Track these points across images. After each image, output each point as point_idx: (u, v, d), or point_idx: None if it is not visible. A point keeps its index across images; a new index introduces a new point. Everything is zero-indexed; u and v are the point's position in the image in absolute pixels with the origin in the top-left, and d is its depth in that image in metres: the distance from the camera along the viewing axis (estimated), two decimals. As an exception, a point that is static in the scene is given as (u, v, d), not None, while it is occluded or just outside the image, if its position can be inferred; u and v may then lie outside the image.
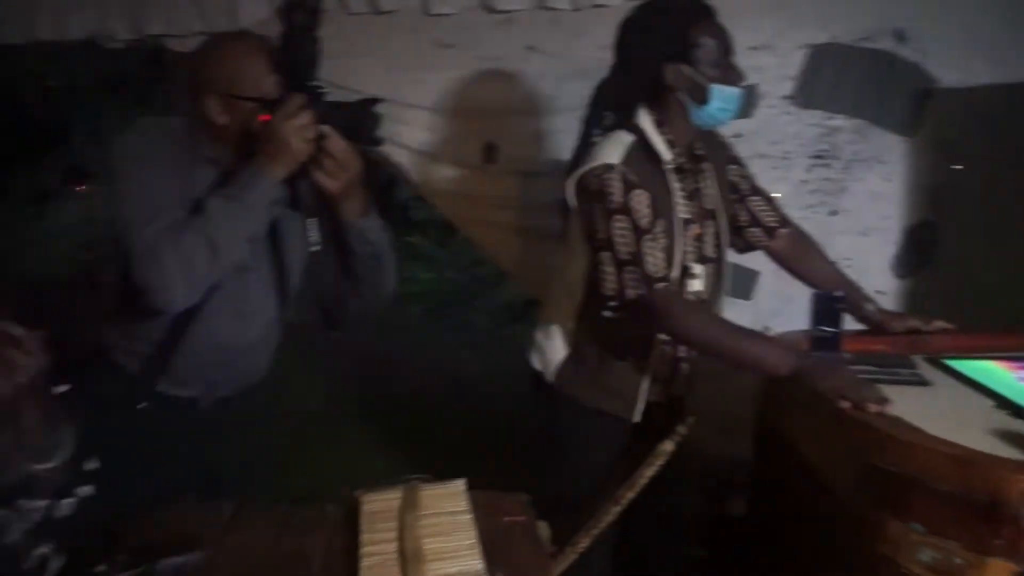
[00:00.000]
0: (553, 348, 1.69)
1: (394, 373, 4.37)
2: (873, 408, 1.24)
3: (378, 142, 1.36)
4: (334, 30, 2.24)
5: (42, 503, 1.05)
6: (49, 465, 1.07)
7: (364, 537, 1.23)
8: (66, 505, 1.09)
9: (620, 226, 1.47)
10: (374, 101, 1.32)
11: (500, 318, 5.65)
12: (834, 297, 1.49)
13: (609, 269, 1.49)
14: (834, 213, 2.30)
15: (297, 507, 1.39)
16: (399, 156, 2.37)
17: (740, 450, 2.36)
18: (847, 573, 1.15)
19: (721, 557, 2.33)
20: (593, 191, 1.50)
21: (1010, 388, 1.32)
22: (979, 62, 2.17)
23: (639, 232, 1.47)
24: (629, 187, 1.48)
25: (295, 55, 1.27)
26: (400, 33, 2.30)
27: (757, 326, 2.06)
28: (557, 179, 2.36)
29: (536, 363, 1.73)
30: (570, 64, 2.26)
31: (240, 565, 1.22)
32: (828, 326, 1.47)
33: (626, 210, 1.47)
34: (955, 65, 2.19)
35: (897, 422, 1.20)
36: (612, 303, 1.50)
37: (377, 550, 1.19)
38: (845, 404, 1.26)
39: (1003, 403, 1.26)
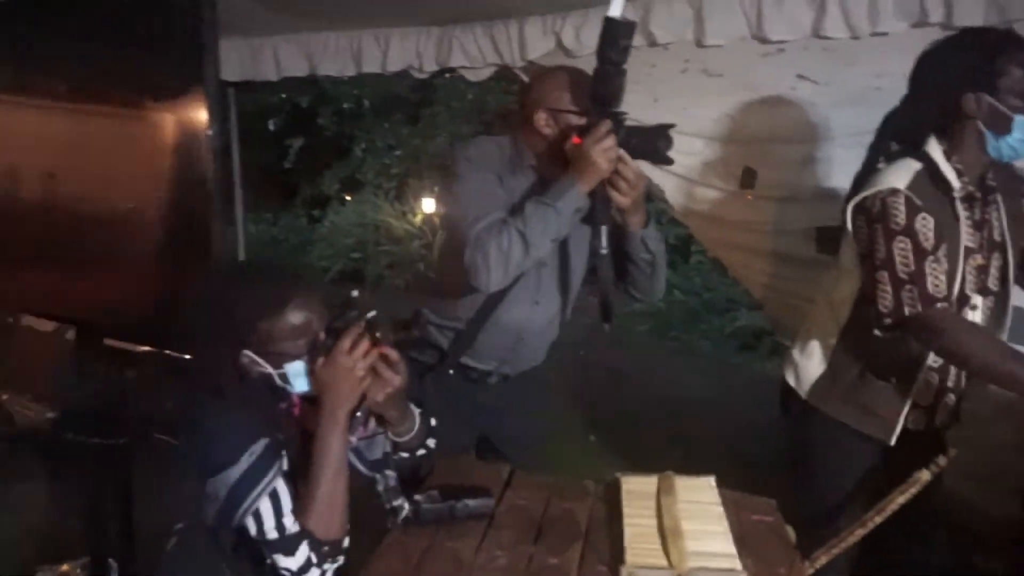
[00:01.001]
0: (810, 365, 1.73)
1: (621, 386, 4.53)
2: None
3: (670, 161, 1.53)
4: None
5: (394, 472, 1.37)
6: (407, 438, 1.39)
7: (626, 511, 1.39)
8: (414, 458, 1.39)
9: (901, 247, 1.49)
10: (668, 127, 1.50)
11: (726, 346, 5.59)
12: None
13: (886, 288, 1.50)
14: None
15: (561, 480, 1.60)
16: (660, 179, 2.53)
17: (996, 504, 2.19)
18: None
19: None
20: (875, 212, 1.53)
21: None
22: None
23: (921, 253, 1.47)
24: (914, 211, 1.49)
25: (606, 87, 1.48)
26: (671, 62, 2.45)
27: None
28: (813, 206, 2.41)
29: (790, 379, 1.77)
30: (841, 92, 2.27)
31: (518, 516, 1.44)
32: None
33: (909, 232, 1.49)
34: None
35: None
36: (887, 321, 1.51)
37: (639, 523, 1.35)
38: None
39: None
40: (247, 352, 1.24)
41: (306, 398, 1.28)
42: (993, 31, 1.56)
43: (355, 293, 1.27)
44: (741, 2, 2.31)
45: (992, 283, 1.62)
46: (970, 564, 2.21)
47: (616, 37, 1.44)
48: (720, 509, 1.39)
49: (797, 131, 2.35)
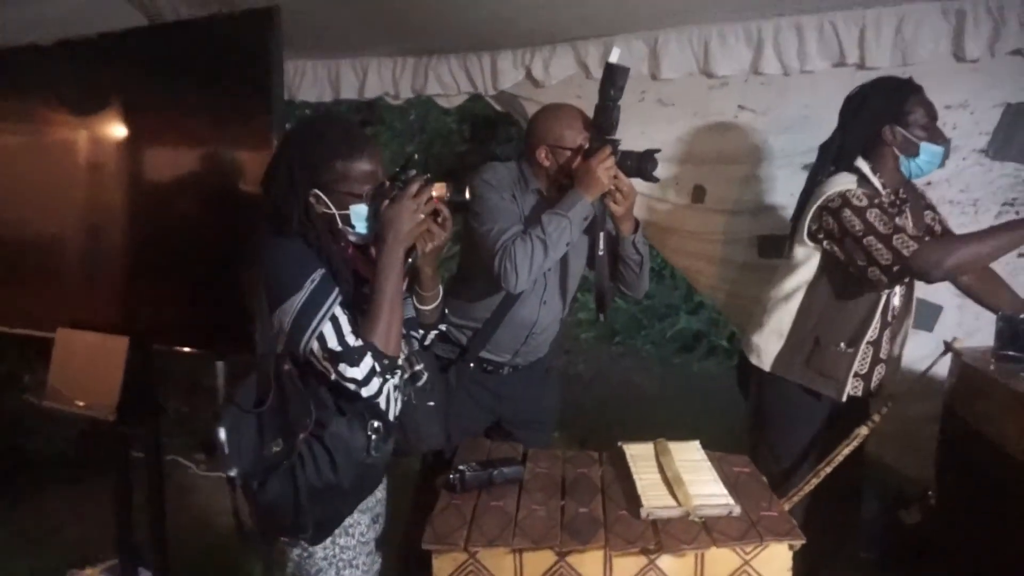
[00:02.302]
0: (770, 344, 2.08)
1: (574, 387, 4.84)
2: None
3: (656, 179, 1.86)
4: (574, 90, 2.83)
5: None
6: (431, 307, 1.59)
7: (633, 469, 1.69)
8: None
9: (874, 214, 1.84)
10: (655, 151, 1.83)
11: (667, 348, 6.00)
12: (1019, 319, 1.78)
13: (879, 247, 1.82)
14: (1022, 255, 2.50)
15: (570, 452, 1.88)
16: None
17: (916, 469, 2.59)
18: (1020, 519, 1.44)
19: (891, 561, 2.55)
20: (838, 206, 1.88)
21: None
22: None
23: (889, 215, 1.84)
24: (869, 196, 1.87)
25: (606, 118, 1.80)
26: (629, 93, 2.74)
27: (936, 355, 2.30)
28: (755, 217, 2.78)
29: (753, 359, 2.12)
30: (776, 120, 2.66)
31: (543, 481, 1.71)
32: (1013, 346, 1.76)
33: (873, 204, 1.85)
34: None
35: None
36: (894, 268, 1.81)
37: (647, 477, 1.64)
38: None
39: None
40: (316, 191, 1.39)
41: (358, 245, 1.46)
42: (901, 80, 1.97)
43: (416, 155, 1.47)
44: (690, 42, 2.69)
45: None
46: (894, 517, 2.61)
47: (615, 79, 1.78)
48: (709, 463, 1.71)
49: (740, 153, 2.72)
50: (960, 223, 2.38)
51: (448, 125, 7.70)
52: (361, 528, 1.50)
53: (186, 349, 1.92)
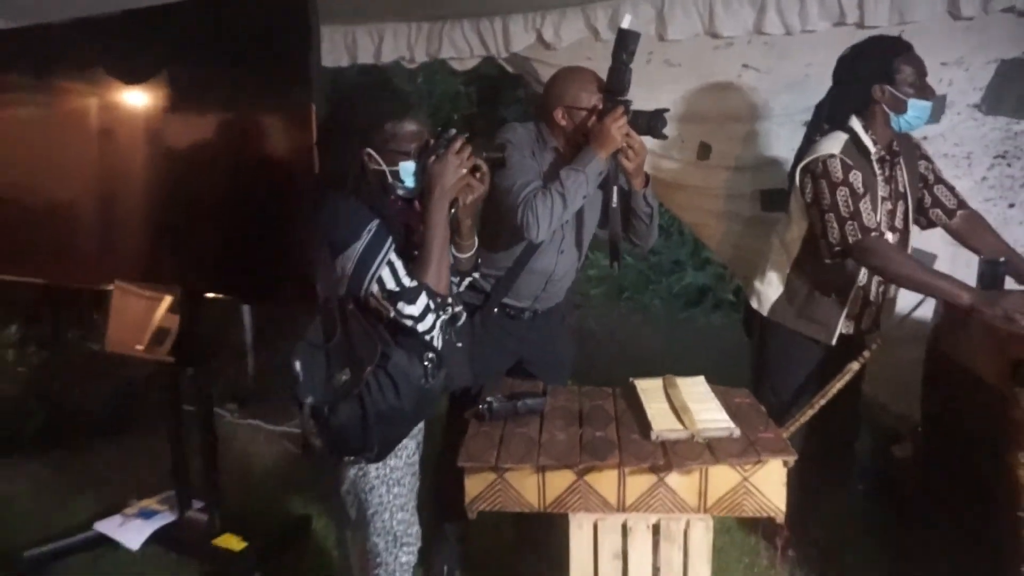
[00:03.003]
0: (769, 291, 2.25)
1: (586, 342, 5.02)
2: None
3: (665, 137, 2.01)
4: (584, 52, 2.95)
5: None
6: (467, 255, 1.75)
7: (644, 400, 1.86)
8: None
9: (842, 194, 2.00)
10: (664, 111, 1.97)
11: (674, 304, 6.16)
12: (997, 262, 1.94)
13: (834, 225, 2.01)
14: (1012, 206, 2.62)
15: (586, 387, 2.05)
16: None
17: (908, 408, 2.76)
18: (993, 440, 1.61)
19: (883, 493, 2.74)
20: (819, 172, 2.04)
21: None
22: None
23: (856, 197, 1.99)
24: (847, 168, 2.02)
25: (619, 80, 1.94)
26: (637, 55, 2.88)
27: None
28: (757, 173, 2.91)
29: (754, 303, 2.29)
30: (778, 79, 2.77)
31: (562, 412, 1.89)
32: (993, 286, 1.92)
33: (846, 183, 2.01)
34: None
35: None
36: (836, 249, 2.02)
37: (656, 407, 1.82)
38: (1016, 320, 1.72)
39: None
40: (368, 150, 1.56)
41: (406, 199, 1.62)
42: (890, 39, 2.09)
43: (453, 122, 1.62)
44: (696, 4, 2.80)
45: (898, 223, 2.16)
46: (887, 451, 2.79)
47: (627, 43, 1.91)
48: (712, 395, 1.88)
49: (743, 111, 2.84)
50: (954, 175, 2.50)
51: (456, 87, 7.77)
52: (408, 451, 1.68)
53: (219, 296, 2.09)
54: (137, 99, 2.01)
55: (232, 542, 2.33)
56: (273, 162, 1.83)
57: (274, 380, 4.22)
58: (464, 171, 1.58)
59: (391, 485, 1.65)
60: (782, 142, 2.83)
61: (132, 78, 1.96)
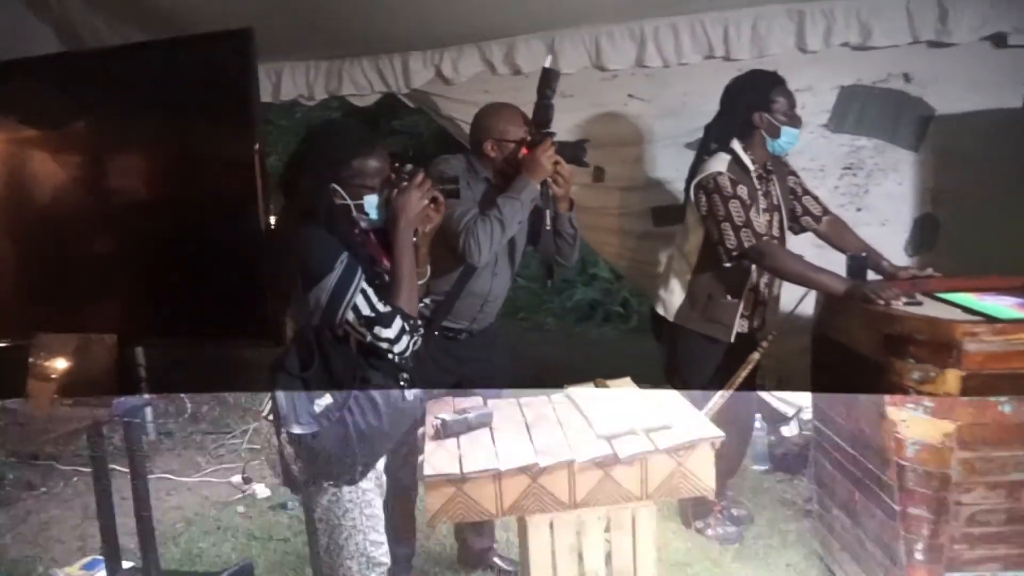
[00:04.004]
0: (673, 297, 2.51)
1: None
2: (893, 301, 2.02)
3: (586, 165, 2.22)
4: (482, 87, 3.13)
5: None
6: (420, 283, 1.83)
7: (582, 402, 2.04)
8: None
9: (734, 205, 2.29)
10: (585, 140, 2.19)
11: (567, 319, 6.46)
12: (861, 257, 2.30)
13: (730, 233, 2.29)
14: (859, 210, 3.06)
15: (524, 399, 2.20)
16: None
17: (793, 395, 3.13)
18: (874, 402, 1.92)
19: (777, 469, 3.08)
20: (711, 188, 2.32)
21: (973, 303, 2.08)
22: (966, 95, 2.92)
23: (746, 208, 2.28)
24: (734, 184, 2.31)
25: (544, 114, 2.15)
26: (531, 88, 3.10)
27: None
28: (647, 192, 3.20)
29: (660, 310, 2.54)
30: (660, 107, 3.09)
31: (508, 420, 2.02)
32: (858, 276, 2.27)
33: (736, 196, 2.29)
34: (948, 97, 2.95)
35: (902, 309, 2.02)
36: (734, 253, 2.30)
37: (594, 407, 2.00)
38: (880, 301, 2.03)
39: (967, 311, 2.03)
40: (334, 185, 1.65)
41: (370, 231, 1.72)
42: (768, 74, 2.42)
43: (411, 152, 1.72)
44: (583, 40, 3.06)
45: (775, 231, 2.49)
46: (779, 434, 3.13)
47: (550, 80, 2.12)
48: (642, 392, 2.09)
49: (631, 136, 3.13)
50: (812, 185, 2.86)
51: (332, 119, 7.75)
52: (377, 472, 1.75)
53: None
54: (60, 144, 1.96)
55: (172, 599, 2.27)
56: (215, 204, 1.85)
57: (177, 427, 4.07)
58: (425, 202, 1.71)
59: (363, 507, 1.72)
60: (668, 163, 3.14)
61: (60, 124, 1.91)
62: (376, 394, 1.63)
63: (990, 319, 1.88)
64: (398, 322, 1.65)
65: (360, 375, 1.62)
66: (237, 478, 3.37)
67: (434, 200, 1.75)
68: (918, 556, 1.88)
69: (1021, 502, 1.82)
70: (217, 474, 3.47)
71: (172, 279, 1.90)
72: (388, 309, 1.65)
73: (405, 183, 1.69)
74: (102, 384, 1.99)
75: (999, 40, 2.86)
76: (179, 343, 2.08)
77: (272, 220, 1.75)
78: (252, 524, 2.95)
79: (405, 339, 1.66)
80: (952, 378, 1.78)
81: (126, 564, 2.41)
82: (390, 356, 1.66)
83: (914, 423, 1.85)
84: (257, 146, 1.74)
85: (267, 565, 2.60)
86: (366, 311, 1.62)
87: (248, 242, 1.77)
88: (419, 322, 1.72)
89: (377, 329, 1.62)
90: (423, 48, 3.20)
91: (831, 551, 2.38)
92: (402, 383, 1.70)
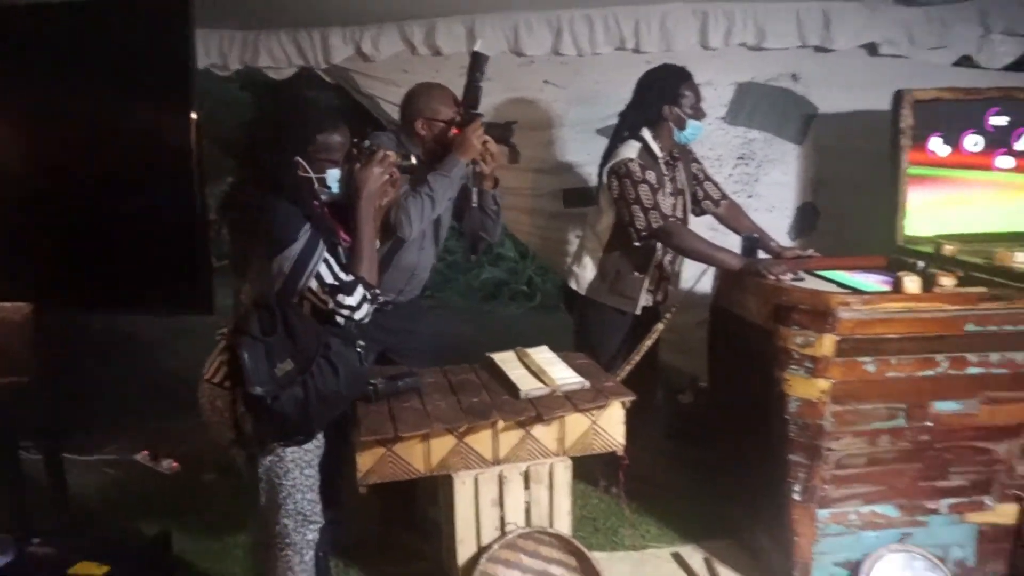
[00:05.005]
0: (585, 273, 2.68)
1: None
2: (781, 276, 2.27)
3: (513, 145, 2.33)
4: (402, 65, 3.19)
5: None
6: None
7: (504, 368, 2.18)
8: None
9: (644, 189, 2.47)
10: (512, 122, 2.30)
11: (472, 298, 6.58)
12: (753, 238, 2.55)
13: (640, 214, 2.47)
14: (750, 196, 3.35)
15: (447, 367, 2.32)
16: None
17: (689, 366, 3.39)
18: (763, 365, 2.17)
19: (676, 435, 3.35)
20: (623, 173, 2.49)
21: (845, 279, 2.39)
22: (844, 96, 3.26)
23: (654, 191, 2.47)
24: (643, 169, 2.49)
25: (473, 96, 2.23)
26: (451, 69, 3.18)
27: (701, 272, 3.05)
28: (558, 174, 3.36)
29: (572, 284, 2.71)
30: (573, 93, 3.25)
31: (436, 386, 2.14)
32: (751, 255, 2.52)
33: (644, 181, 2.47)
34: (828, 98, 3.28)
35: (789, 283, 2.27)
36: (643, 233, 2.47)
37: (516, 372, 2.14)
38: (770, 276, 2.28)
39: (841, 286, 2.32)
40: (298, 159, 1.71)
41: (331, 204, 1.78)
42: (677, 68, 2.60)
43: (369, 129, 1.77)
44: (502, 25, 3.17)
45: (679, 213, 2.70)
46: (676, 402, 3.39)
47: (479, 64, 2.21)
48: (559, 359, 2.25)
49: (545, 121, 3.27)
50: (711, 173, 3.14)
51: (231, 92, 7.52)
52: (319, 434, 1.82)
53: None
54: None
55: (91, 568, 2.24)
56: (147, 170, 1.84)
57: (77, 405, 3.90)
58: (385, 177, 1.79)
59: (303, 467, 1.78)
60: (579, 147, 3.31)
61: None
62: (337, 359, 1.69)
63: (859, 292, 2.17)
64: (360, 290, 1.73)
65: (324, 341, 1.68)
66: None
67: (390, 176, 1.83)
68: (796, 497, 2.15)
69: (877, 447, 2.12)
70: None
71: (96, 248, 1.88)
72: (351, 278, 1.72)
73: (366, 158, 1.77)
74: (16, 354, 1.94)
75: (872, 49, 3.21)
76: (103, 313, 2.04)
77: (227, 190, 1.76)
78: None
79: (365, 307, 1.75)
80: (828, 342, 2.05)
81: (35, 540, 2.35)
82: (345, 323, 1.73)
83: (796, 382, 2.10)
84: (194, 115, 1.75)
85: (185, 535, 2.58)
86: (329, 279, 1.70)
87: (181, 211, 1.78)
88: (378, 291, 1.80)
89: (340, 296, 1.70)
90: (343, 24, 3.21)
91: (729, 503, 2.63)
92: (359, 349, 1.78)
